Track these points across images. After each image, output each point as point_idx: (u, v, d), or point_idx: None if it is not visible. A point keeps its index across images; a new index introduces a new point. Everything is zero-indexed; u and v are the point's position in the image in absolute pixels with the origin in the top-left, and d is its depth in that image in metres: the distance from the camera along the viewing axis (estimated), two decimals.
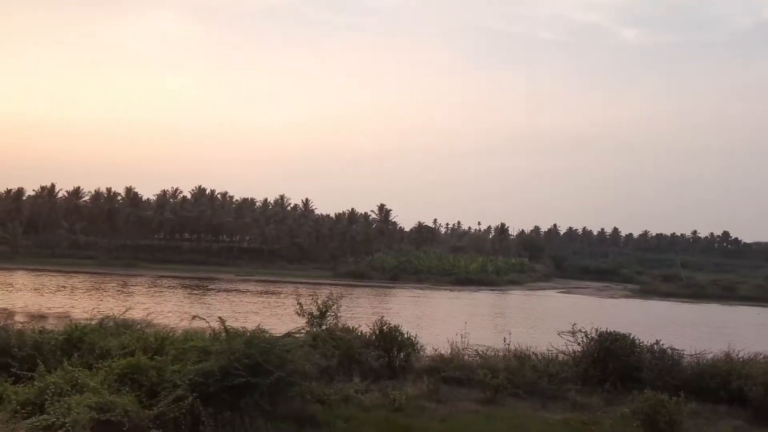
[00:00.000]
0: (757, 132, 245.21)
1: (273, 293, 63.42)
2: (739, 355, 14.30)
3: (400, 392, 11.71)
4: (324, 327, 14.76)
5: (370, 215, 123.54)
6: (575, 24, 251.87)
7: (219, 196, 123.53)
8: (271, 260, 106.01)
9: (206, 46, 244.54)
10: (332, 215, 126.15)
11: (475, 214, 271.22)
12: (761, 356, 14.46)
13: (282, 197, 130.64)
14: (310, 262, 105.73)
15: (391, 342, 14.23)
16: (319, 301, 15.17)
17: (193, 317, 11.14)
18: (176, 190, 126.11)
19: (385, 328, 14.41)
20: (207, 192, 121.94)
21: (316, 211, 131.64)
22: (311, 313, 15.02)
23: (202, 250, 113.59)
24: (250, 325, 10.44)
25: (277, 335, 10.18)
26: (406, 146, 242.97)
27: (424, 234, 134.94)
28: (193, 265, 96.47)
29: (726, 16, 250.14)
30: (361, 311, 42.27)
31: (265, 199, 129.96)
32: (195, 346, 9.73)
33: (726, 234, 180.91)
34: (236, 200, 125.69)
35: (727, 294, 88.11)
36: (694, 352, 14.91)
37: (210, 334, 10.57)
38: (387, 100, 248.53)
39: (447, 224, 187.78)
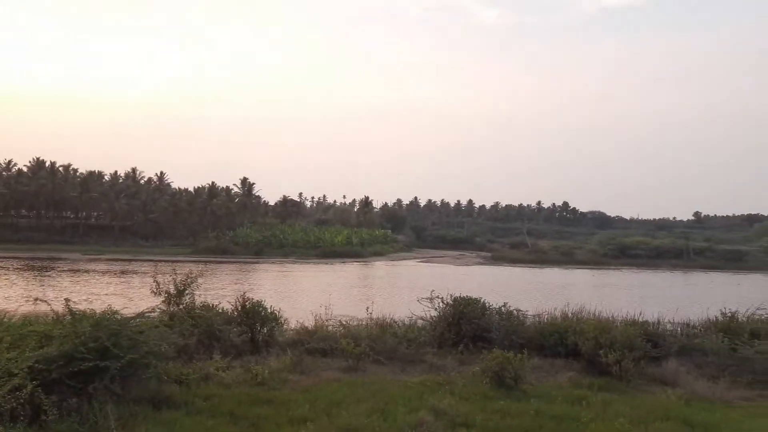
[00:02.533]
0: (594, 109, 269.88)
1: (128, 272, 59.67)
2: (574, 314, 15.93)
3: (263, 367, 11.64)
4: (182, 305, 14.26)
5: (232, 189, 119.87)
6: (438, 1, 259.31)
7: (61, 169, 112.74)
8: (123, 237, 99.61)
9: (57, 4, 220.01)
10: (191, 189, 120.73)
11: (341, 188, 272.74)
12: (592, 314, 16.21)
13: (134, 170, 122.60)
14: (167, 239, 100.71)
15: (253, 317, 14.01)
16: (177, 279, 14.62)
17: (35, 300, 10.23)
18: (10, 162, 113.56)
19: (247, 303, 14.16)
20: (47, 164, 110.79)
21: (173, 185, 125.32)
22: (168, 292, 14.45)
23: (42, 228, 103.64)
24: (102, 307, 9.81)
25: (129, 316, 9.67)
26: (271, 119, 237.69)
27: (289, 208, 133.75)
28: (32, 243, 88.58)
29: (573, 1, 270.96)
30: (229, 288, 41.17)
31: (115, 172, 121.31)
32: (35, 331, 8.96)
33: (566, 204, 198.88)
34: (81, 173, 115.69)
35: (566, 259, 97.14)
36: (536, 313, 16.39)
37: (53, 317, 9.77)
38: (252, 72, 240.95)
39: (312, 198, 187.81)
